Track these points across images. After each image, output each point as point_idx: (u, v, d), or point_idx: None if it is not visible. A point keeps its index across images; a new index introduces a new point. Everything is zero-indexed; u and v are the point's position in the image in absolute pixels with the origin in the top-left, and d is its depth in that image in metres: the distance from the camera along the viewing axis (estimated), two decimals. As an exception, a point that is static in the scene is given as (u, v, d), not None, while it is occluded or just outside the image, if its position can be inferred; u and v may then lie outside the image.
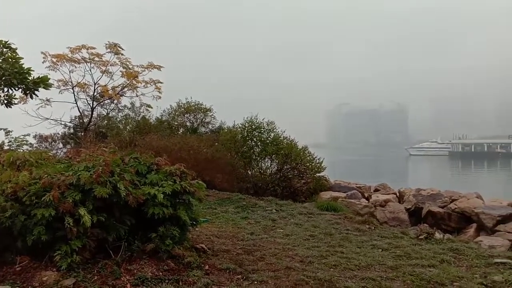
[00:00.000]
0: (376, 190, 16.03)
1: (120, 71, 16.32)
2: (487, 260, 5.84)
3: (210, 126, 20.95)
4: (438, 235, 7.37)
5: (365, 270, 5.26)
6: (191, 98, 20.97)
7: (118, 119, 20.82)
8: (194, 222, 5.61)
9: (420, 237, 7.06)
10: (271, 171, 16.08)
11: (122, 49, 15.97)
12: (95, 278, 4.36)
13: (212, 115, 20.84)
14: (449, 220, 11.20)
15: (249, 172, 16.06)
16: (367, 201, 13.90)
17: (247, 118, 16.91)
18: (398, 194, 14.90)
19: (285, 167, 15.73)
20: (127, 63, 16.26)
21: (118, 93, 17.14)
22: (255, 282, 4.69)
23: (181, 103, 20.92)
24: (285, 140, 16.27)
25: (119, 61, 16.16)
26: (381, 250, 6.37)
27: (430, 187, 14.45)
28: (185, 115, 20.72)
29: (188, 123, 20.69)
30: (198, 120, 20.68)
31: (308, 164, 15.91)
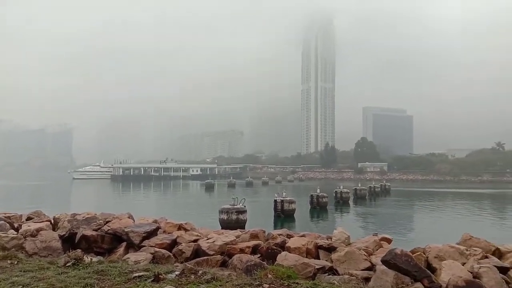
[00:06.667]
0: (29, 219, 14.44)
1: None
2: (128, 276, 6.50)
3: None
4: (87, 259, 7.49)
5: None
6: None
7: None
8: None
9: (67, 265, 6.97)
10: None
11: None
12: None
13: None
14: (102, 242, 11.59)
15: None
16: (16, 232, 12.24)
17: None
18: (53, 221, 14.00)
19: None
20: None
21: None
22: None
23: None
24: None
25: None
26: (21, 286, 5.81)
27: (87, 211, 14.56)
28: None
29: None
30: None
31: None
